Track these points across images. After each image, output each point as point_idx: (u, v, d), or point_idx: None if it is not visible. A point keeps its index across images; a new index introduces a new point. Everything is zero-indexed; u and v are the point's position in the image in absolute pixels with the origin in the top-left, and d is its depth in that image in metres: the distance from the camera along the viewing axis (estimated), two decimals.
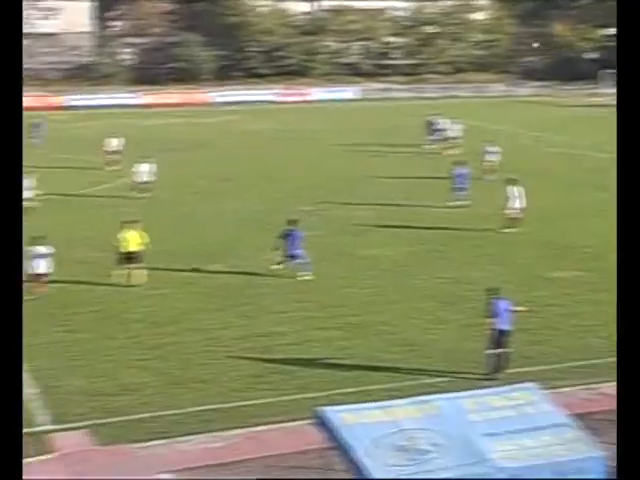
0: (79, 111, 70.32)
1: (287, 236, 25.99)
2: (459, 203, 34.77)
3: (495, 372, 18.74)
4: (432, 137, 50.01)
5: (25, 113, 63.39)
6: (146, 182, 36.84)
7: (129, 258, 25.03)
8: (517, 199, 31.41)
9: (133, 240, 25.08)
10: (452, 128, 49.39)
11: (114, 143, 43.86)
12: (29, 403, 17.54)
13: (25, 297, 23.78)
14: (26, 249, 23.29)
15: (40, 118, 51.90)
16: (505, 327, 18.89)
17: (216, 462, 15.53)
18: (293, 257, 25.87)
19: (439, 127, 50.08)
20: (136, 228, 25.50)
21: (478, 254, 28.74)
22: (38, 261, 23.92)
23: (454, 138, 48.54)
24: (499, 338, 18.88)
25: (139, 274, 25.10)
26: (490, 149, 41.61)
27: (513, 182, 32.05)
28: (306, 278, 25.67)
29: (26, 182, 32.46)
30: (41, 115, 54.13)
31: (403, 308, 23.57)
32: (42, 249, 24.11)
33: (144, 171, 36.96)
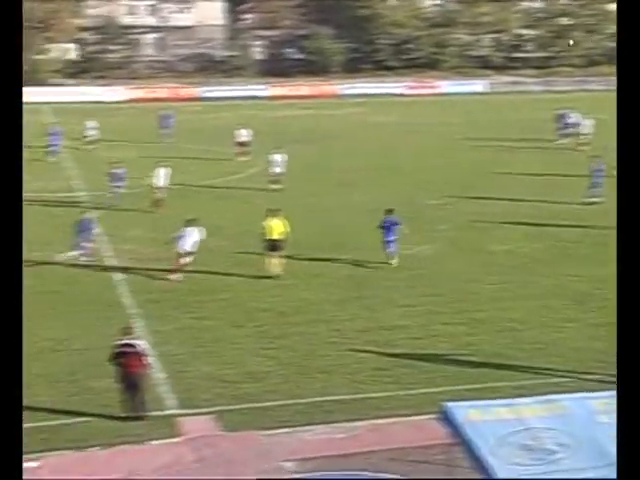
0: (211, 103, 71.65)
1: (384, 226, 26.39)
2: (593, 200, 33.91)
3: None
4: (563, 131, 48.95)
5: (158, 104, 65.44)
6: (278, 173, 37.17)
7: (273, 246, 25.24)
8: None
9: (277, 228, 25.31)
10: (584, 123, 48.20)
11: (244, 134, 44.51)
12: (158, 387, 18.02)
13: (163, 281, 24.60)
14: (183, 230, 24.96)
15: (170, 110, 53.07)
16: None
17: (338, 453, 15.57)
18: (389, 243, 26.27)
19: (570, 121, 48.98)
20: (279, 216, 25.76)
21: (610, 252, 27.97)
22: (186, 240, 24.97)
23: (585, 134, 47.37)
24: None
25: (277, 263, 25.28)
26: None
27: None
28: (420, 272, 25.62)
29: (161, 172, 33.29)
30: (171, 107, 55.32)
31: (531, 305, 23.14)
32: (195, 230, 25.21)
33: (277, 161, 37.29)
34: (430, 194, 35.76)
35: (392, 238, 26.26)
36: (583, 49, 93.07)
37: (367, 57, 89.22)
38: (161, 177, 33.25)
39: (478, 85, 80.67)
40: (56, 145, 44.27)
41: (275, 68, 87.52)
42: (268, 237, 25.25)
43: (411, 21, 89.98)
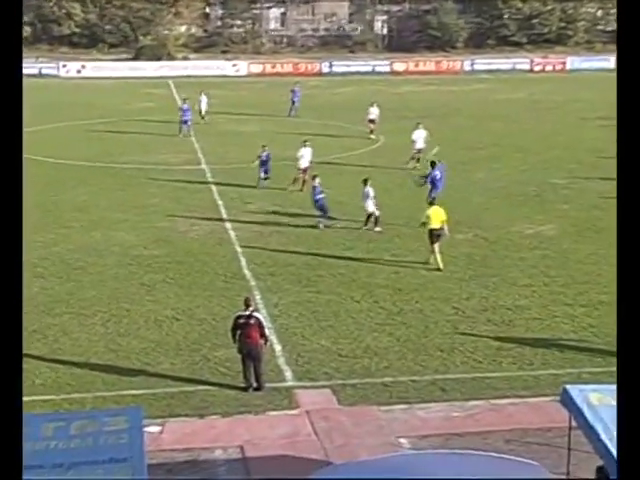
0: (334, 77, 71.77)
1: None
2: None
3: None
4: None
5: (282, 79, 66.09)
6: (419, 149, 36.60)
7: (433, 235, 24.04)
8: None
9: (436, 217, 24.06)
10: None
11: (373, 111, 44.03)
12: (276, 359, 18.27)
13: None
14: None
15: (295, 84, 53.30)
16: None
17: (455, 431, 15.51)
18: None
19: None
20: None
21: None
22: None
23: None
24: None
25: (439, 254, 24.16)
26: None
27: None
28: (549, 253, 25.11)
29: (305, 151, 33.00)
30: (294, 82, 55.56)
31: None
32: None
33: (420, 138, 36.67)
34: (554, 173, 35.05)
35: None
36: None
37: (492, 32, 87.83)
38: (305, 157, 32.94)
39: (609, 61, 78.41)
40: (188, 119, 44.32)
41: (399, 43, 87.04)
42: (432, 226, 23.95)
43: None
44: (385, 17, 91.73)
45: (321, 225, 27.40)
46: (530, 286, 22.70)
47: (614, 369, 17.50)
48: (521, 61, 78.21)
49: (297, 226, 27.77)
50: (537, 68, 76.62)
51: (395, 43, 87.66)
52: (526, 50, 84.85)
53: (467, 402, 16.57)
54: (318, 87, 64.54)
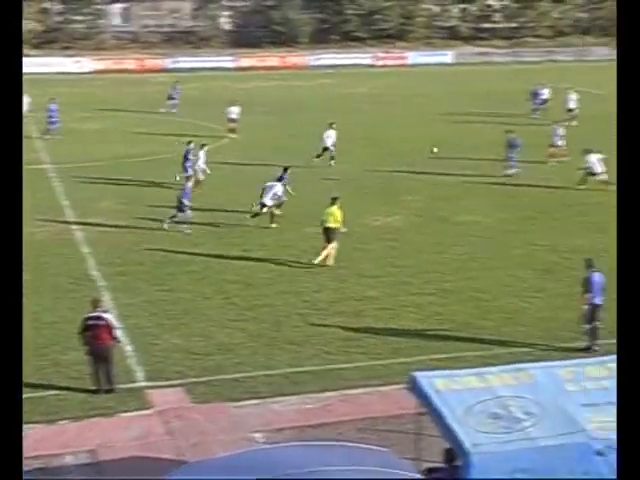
0: (179, 74, 70.98)
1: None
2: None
3: (592, 345, 18.43)
4: (535, 106, 48.99)
5: (128, 76, 64.48)
6: (325, 148, 36.56)
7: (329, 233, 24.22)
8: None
9: (332, 216, 24.26)
10: (549, 95, 48.81)
11: (234, 110, 43.35)
12: (128, 359, 18.01)
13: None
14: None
15: (177, 82, 52.32)
16: (598, 301, 18.48)
17: (308, 423, 15.69)
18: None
19: (543, 96, 49.26)
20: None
21: (576, 221, 28.26)
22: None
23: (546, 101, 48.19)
24: (592, 312, 18.51)
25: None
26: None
27: (589, 151, 32.25)
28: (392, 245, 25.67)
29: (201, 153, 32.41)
30: (138, 78, 54.60)
31: (498, 275, 23.32)
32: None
33: (329, 137, 36.47)
34: (398, 165, 35.75)
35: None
36: (551, 19, 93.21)
37: (335, 28, 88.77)
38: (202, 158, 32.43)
39: (447, 56, 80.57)
40: (56, 120, 42.36)
41: (243, 39, 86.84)
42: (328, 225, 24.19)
43: None
44: (230, 12, 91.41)
45: (185, 228, 26.81)
46: (378, 277, 23.14)
47: (460, 354, 18.17)
48: (364, 56, 79.43)
49: (147, 225, 27.40)
50: (379, 63, 78.00)
51: (240, 39, 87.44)
52: (368, 45, 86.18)
53: (320, 394, 16.77)
54: (164, 84, 63.64)
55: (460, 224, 28.07)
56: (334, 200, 24.73)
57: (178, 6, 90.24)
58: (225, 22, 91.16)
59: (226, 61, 76.14)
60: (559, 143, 36.60)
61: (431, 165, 36.00)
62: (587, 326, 18.59)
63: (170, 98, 50.66)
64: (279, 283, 22.66)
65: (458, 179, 33.71)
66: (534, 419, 11.64)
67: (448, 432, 11.54)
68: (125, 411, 16.15)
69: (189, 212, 26.92)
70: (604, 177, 31.35)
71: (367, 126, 45.85)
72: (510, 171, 34.12)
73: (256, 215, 27.35)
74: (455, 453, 11.61)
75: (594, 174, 31.95)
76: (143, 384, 17.20)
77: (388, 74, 71.21)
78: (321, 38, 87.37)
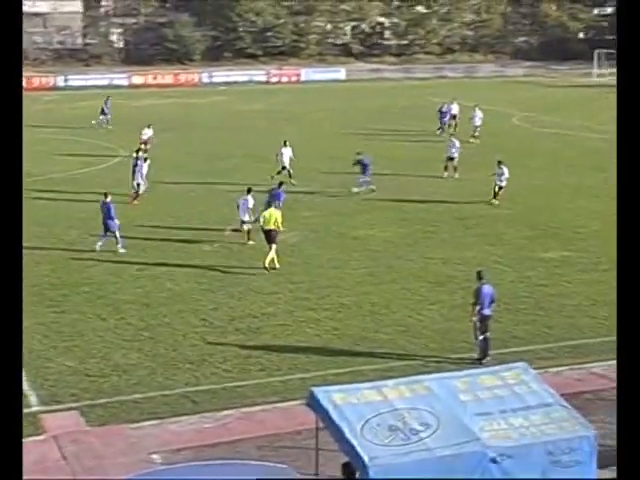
0: (70, 92, 69.93)
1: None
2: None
3: (484, 356, 18.74)
4: (442, 123, 48.93)
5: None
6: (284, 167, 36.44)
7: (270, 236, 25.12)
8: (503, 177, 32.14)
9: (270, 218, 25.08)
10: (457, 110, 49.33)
11: (147, 132, 42.57)
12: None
13: None
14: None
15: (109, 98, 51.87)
16: (486, 312, 18.79)
17: (207, 443, 15.55)
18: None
19: (452, 111, 49.38)
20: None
21: (469, 234, 28.81)
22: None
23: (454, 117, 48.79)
24: (483, 323, 18.81)
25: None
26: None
27: (500, 162, 32.66)
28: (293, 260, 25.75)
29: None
30: (28, 96, 53.67)
31: (394, 288, 23.59)
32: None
33: (286, 154, 36.39)
34: (298, 181, 35.81)
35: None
36: (440, 37, 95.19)
37: (228, 45, 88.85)
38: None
39: (339, 73, 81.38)
40: None
41: (136, 56, 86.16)
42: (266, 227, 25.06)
43: (271, 9, 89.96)
44: (121, 30, 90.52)
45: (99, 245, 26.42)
46: (276, 293, 23.15)
47: (357, 368, 18.30)
48: (257, 73, 79.67)
49: (40, 245, 26.81)
50: (273, 79, 78.34)
51: (132, 56, 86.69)
52: (262, 62, 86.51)
53: (218, 412, 16.66)
54: (54, 102, 62.76)
55: (357, 239, 28.31)
56: (270, 204, 25.98)
57: (67, 23, 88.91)
58: (117, 39, 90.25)
59: (119, 78, 75.33)
60: (455, 155, 37.02)
61: (329, 181, 36.24)
62: (479, 337, 18.89)
63: (103, 113, 50.78)
64: (176, 302, 22.45)
65: (357, 195, 33.96)
66: (430, 430, 11.81)
67: (347, 446, 11.62)
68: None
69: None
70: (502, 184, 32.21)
71: (261, 143, 45.81)
72: (359, 189, 34.16)
73: (236, 230, 27.54)
74: (354, 467, 11.69)
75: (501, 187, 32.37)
76: (36, 409, 16.82)
77: (282, 90, 71.53)
78: (214, 55, 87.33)
